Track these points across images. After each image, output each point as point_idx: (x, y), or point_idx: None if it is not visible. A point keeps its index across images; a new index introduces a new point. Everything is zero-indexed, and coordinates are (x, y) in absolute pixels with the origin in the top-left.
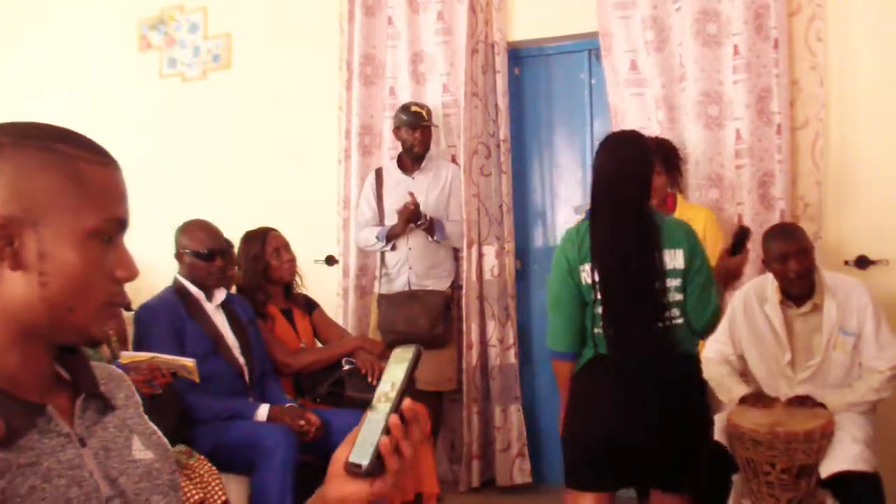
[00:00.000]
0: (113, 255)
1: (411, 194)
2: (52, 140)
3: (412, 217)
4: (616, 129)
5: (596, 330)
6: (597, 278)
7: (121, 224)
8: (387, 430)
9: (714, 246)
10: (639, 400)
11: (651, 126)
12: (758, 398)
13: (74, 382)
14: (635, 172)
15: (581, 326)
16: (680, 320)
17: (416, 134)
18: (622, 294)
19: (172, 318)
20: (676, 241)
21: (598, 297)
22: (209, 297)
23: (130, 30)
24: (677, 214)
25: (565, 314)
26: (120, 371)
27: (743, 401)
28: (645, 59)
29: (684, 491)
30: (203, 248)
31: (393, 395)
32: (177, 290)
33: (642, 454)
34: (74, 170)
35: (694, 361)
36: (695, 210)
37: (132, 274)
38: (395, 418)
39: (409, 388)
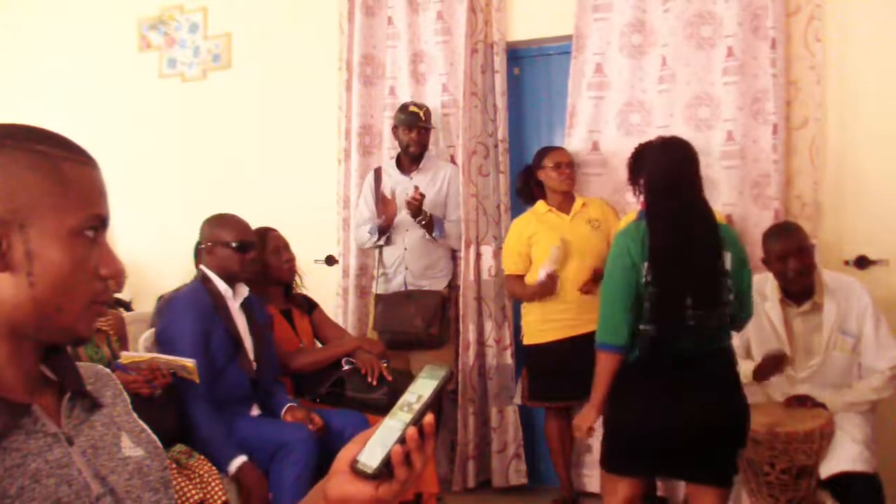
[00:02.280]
0: (97, 253)
1: (416, 188)
2: (32, 141)
3: (416, 211)
4: (571, 130)
5: (642, 326)
6: (655, 277)
7: (102, 222)
8: (402, 440)
9: None
10: (689, 395)
11: (608, 130)
12: (773, 361)
13: (60, 382)
14: (693, 173)
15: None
16: (728, 319)
17: (413, 134)
18: (686, 292)
19: (203, 315)
20: (726, 244)
21: (653, 294)
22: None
23: (130, 30)
24: None
25: (627, 308)
26: (106, 370)
27: (764, 362)
28: (619, 62)
29: (721, 484)
30: (239, 240)
31: (417, 406)
32: (205, 284)
33: (689, 446)
34: (56, 169)
35: (734, 356)
36: None
37: (116, 271)
38: (413, 430)
39: (433, 404)
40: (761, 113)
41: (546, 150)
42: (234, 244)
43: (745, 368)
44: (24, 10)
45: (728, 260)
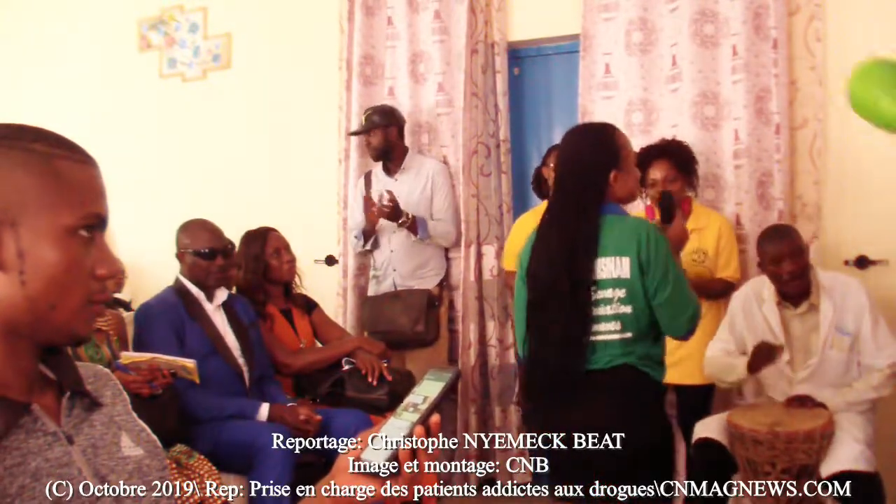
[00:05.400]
0: (94, 253)
1: (389, 192)
2: (27, 139)
3: (391, 215)
4: None
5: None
6: (528, 286)
7: (100, 221)
8: (409, 438)
9: (730, 255)
10: (568, 410)
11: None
12: (764, 351)
13: (59, 381)
14: (582, 169)
15: None
16: (617, 335)
17: (367, 138)
18: (546, 303)
19: (172, 318)
20: (623, 248)
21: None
22: (210, 298)
23: (130, 30)
24: (691, 220)
25: (523, 318)
26: (106, 370)
27: (755, 354)
28: (625, 60)
29: None
30: (204, 247)
31: (423, 407)
32: (177, 290)
33: (578, 463)
34: (51, 168)
35: (637, 373)
36: (710, 217)
37: (113, 271)
38: (420, 429)
39: (440, 405)
40: (764, 112)
41: (551, 149)
42: (201, 251)
43: (740, 364)
44: (24, 10)
45: (624, 266)
